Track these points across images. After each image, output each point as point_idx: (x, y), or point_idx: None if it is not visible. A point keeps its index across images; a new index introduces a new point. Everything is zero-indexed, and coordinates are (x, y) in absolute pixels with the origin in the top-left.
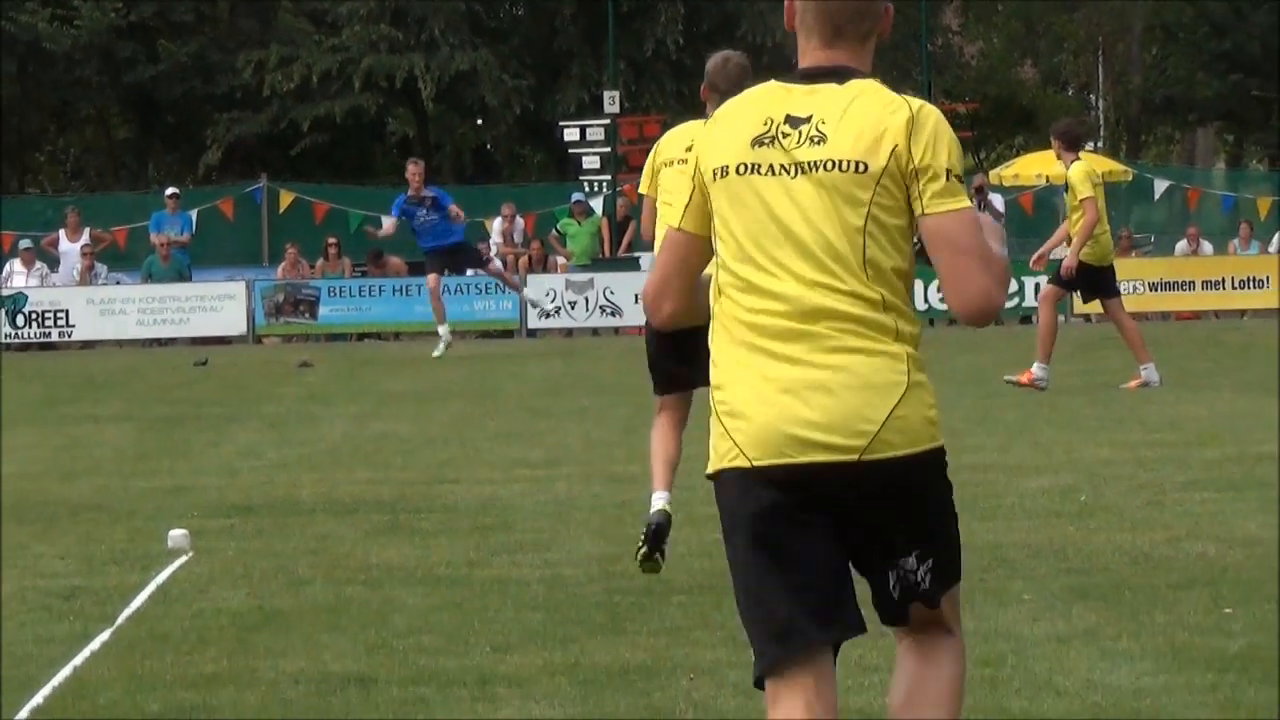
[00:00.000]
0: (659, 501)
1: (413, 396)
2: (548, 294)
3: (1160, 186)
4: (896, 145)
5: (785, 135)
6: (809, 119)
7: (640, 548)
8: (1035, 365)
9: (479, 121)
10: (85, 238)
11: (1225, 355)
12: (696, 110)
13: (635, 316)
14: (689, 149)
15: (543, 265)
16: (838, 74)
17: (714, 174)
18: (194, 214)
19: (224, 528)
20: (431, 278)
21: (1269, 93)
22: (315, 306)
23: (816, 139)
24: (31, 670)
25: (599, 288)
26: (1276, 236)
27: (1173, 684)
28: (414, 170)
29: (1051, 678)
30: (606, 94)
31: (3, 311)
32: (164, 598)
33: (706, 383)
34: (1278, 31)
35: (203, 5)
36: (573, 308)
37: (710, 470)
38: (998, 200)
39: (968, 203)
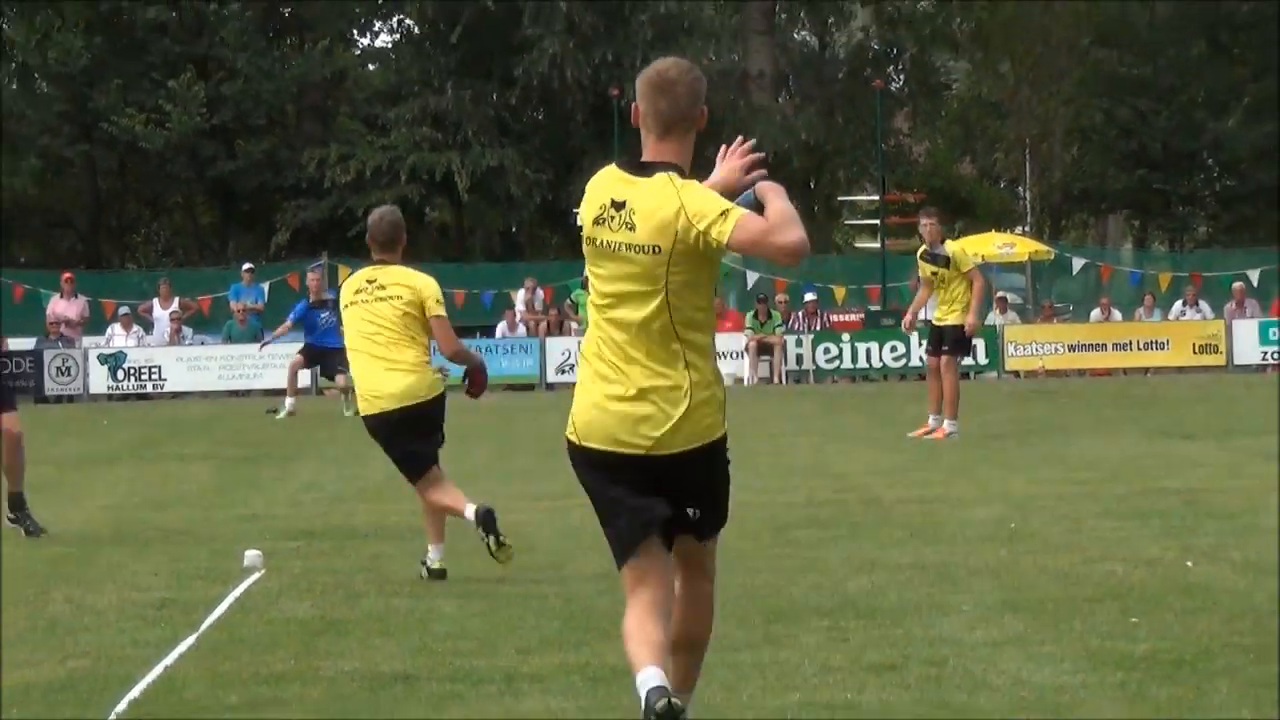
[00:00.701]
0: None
1: (451, 436)
2: (563, 353)
3: (1077, 264)
4: (678, 230)
5: (611, 218)
6: (624, 205)
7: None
8: (948, 422)
9: (506, 209)
10: (175, 305)
11: (1132, 406)
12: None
13: None
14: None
15: (559, 329)
16: (653, 168)
17: (585, 239)
18: (266, 286)
19: (291, 549)
20: (299, 360)
21: (1168, 186)
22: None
23: (629, 225)
24: (129, 669)
25: None
26: (1175, 306)
27: (1088, 681)
28: (314, 279)
29: (986, 676)
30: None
31: (106, 367)
32: (241, 608)
33: None
34: (1175, 134)
35: (274, 111)
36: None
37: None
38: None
39: (740, 211)
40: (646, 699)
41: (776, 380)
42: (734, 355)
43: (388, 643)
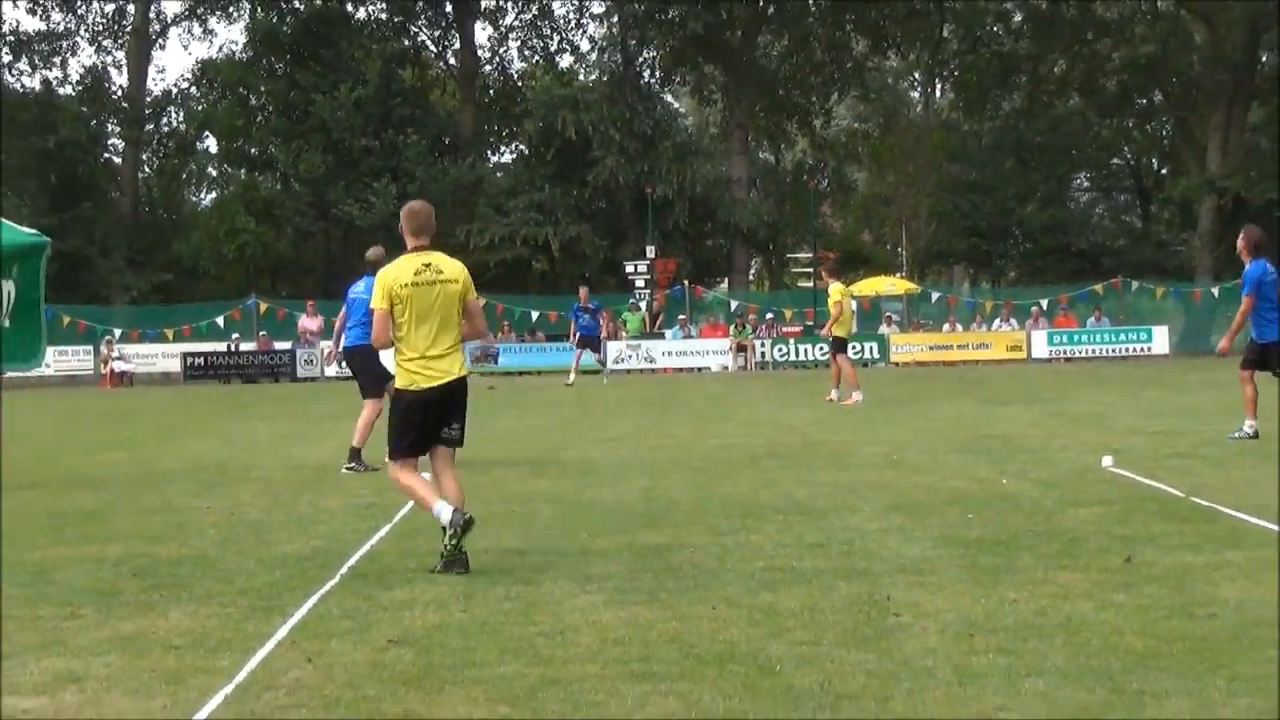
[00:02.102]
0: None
1: (545, 404)
2: (617, 352)
3: (935, 295)
4: (464, 279)
5: (427, 267)
6: (431, 265)
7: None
8: (855, 393)
9: (582, 262)
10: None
11: (968, 384)
12: (699, 257)
13: (664, 361)
14: (401, 284)
15: (615, 336)
16: (430, 249)
17: (400, 288)
18: None
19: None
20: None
21: (991, 248)
22: (498, 357)
23: (439, 273)
24: (347, 547)
25: (643, 349)
26: (995, 321)
27: (942, 554)
28: (584, 292)
29: (878, 551)
30: (648, 248)
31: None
32: (417, 508)
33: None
34: (995, 216)
35: (437, 201)
36: (630, 359)
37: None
38: (853, 303)
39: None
40: (453, 517)
41: (749, 369)
42: (723, 352)
43: (508, 530)
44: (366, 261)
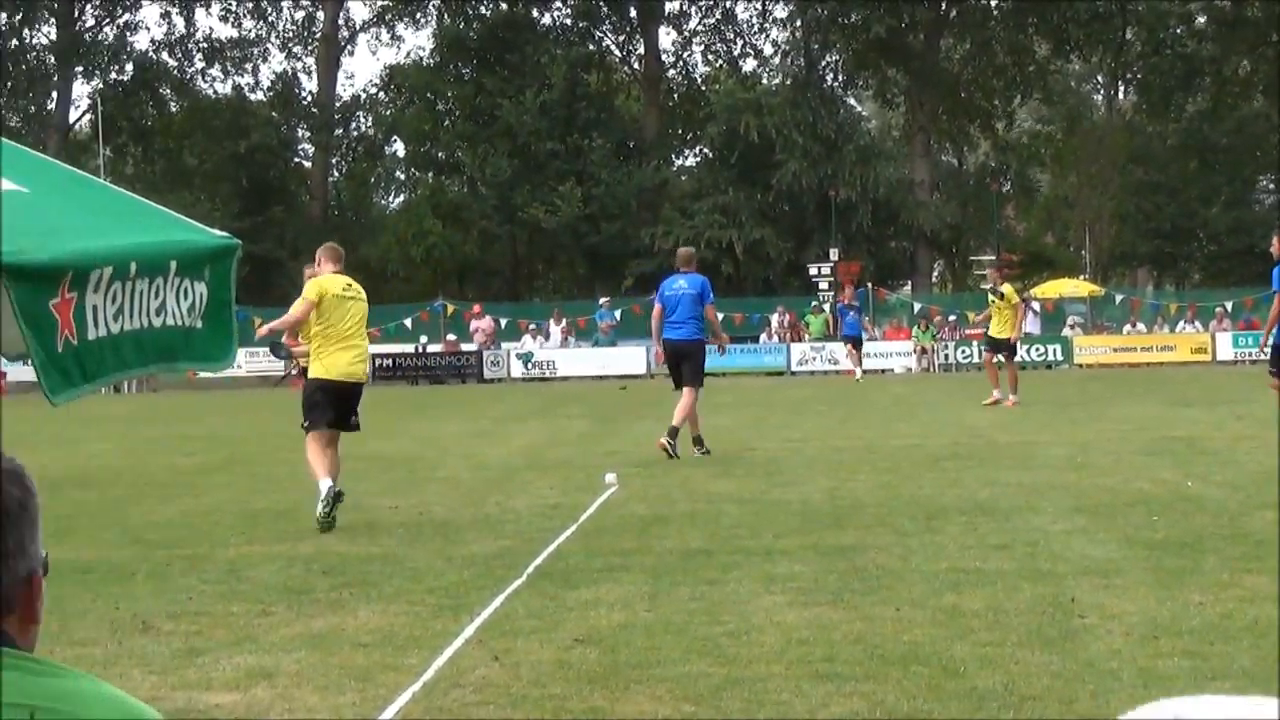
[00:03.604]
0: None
1: (731, 404)
2: (800, 353)
3: (1118, 298)
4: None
5: (349, 285)
6: (350, 285)
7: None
8: (1011, 395)
9: (766, 265)
10: (563, 323)
11: (1153, 385)
12: (882, 259)
13: (848, 364)
14: (336, 291)
15: (798, 338)
16: (346, 276)
17: (331, 298)
18: (618, 312)
19: (635, 472)
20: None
21: (1175, 250)
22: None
23: (355, 291)
24: (534, 546)
25: (827, 350)
26: (1180, 323)
27: (1126, 556)
28: (849, 292)
29: (1062, 552)
30: (831, 250)
31: (520, 361)
32: (603, 508)
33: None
34: (1179, 218)
35: (623, 205)
36: (814, 360)
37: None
38: (1035, 304)
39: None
40: (328, 491)
41: (933, 370)
42: (906, 354)
43: (694, 530)
44: (679, 259)
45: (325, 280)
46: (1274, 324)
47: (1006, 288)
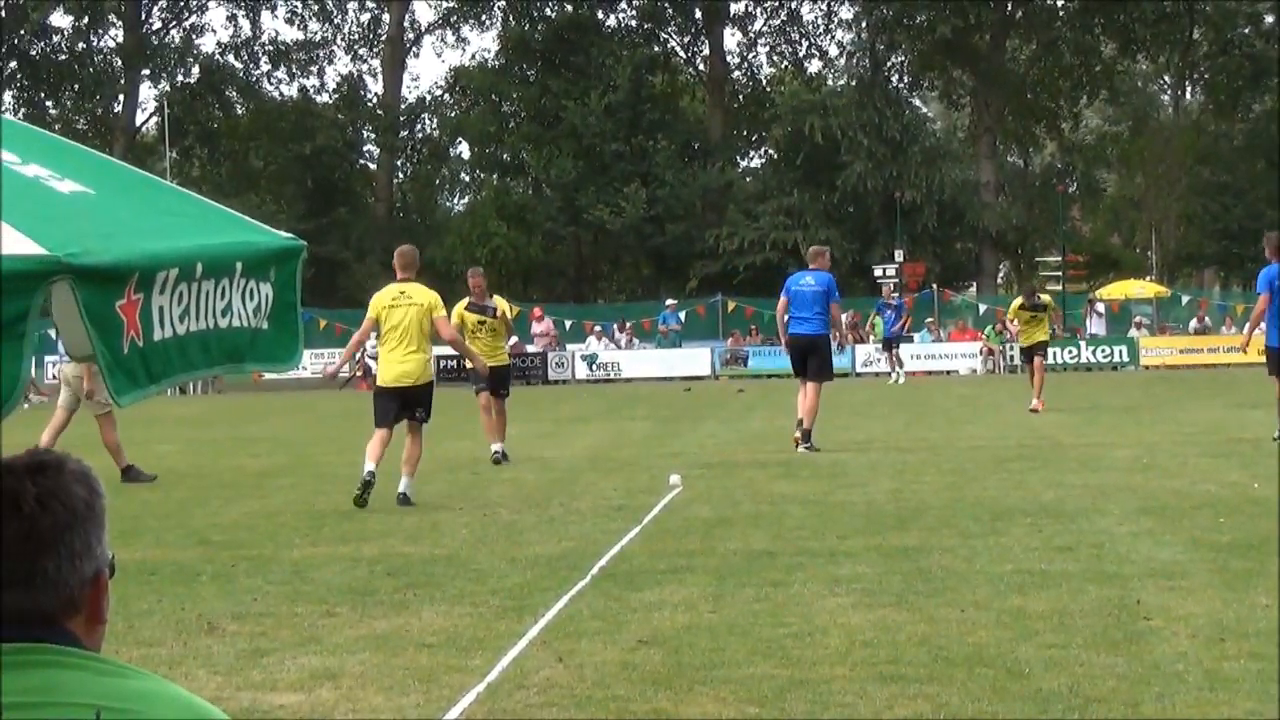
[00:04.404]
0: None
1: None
2: (865, 355)
3: (1185, 298)
4: (432, 303)
5: (401, 294)
6: (404, 293)
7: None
8: (1036, 399)
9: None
10: (627, 326)
11: (1218, 387)
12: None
13: (912, 365)
14: (386, 302)
15: (863, 340)
16: (406, 284)
17: (384, 310)
18: (682, 314)
19: (699, 474)
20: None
21: (1241, 250)
22: (747, 360)
23: (408, 298)
24: (598, 547)
25: (890, 351)
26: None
27: (1193, 558)
28: (887, 289)
29: (1128, 554)
30: (896, 251)
31: (585, 363)
32: (667, 509)
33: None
34: (1246, 219)
35: (688, 206)
36: (879, 362)
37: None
38: (1101, 306)
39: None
40: (366, 474)
41: (998, 372)
42: (972, 355)
43: (758, 532)
44: (809, 256)
45: (379, 295)
46: (1255, 325)
47: (1045, 298)
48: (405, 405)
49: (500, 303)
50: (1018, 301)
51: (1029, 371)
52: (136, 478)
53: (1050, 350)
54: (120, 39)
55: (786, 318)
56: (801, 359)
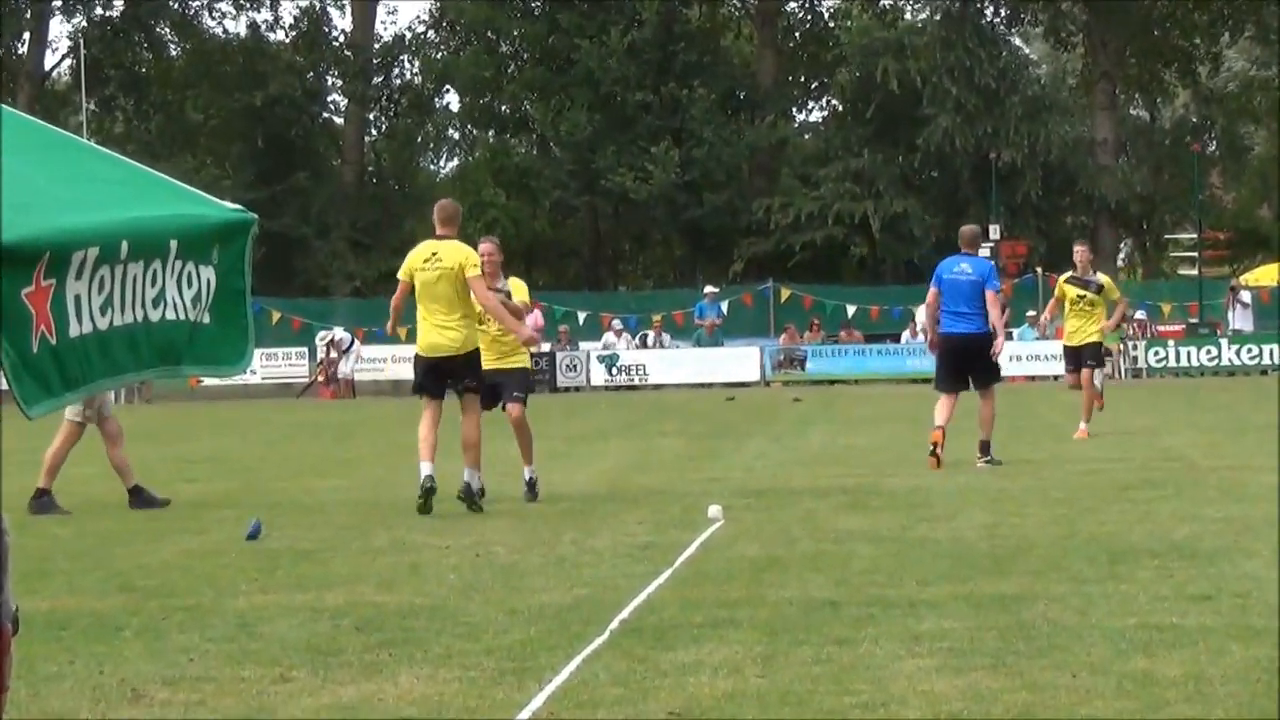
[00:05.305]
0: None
1: (866, 420)
2: None
3: None
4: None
5: (433, 255)
6: (435, 255)
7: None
8: (1084, 423)
9: (910, 245)
10: (653, 320)
11: None
12: (1055, 237)
13: (1012, 368)
14: (418, 264)
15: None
16: (446, 238)
17: (418, 271)
18: (724, 304)
19: (744, 504)
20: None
21: None
22: (804, 362)
23: (438, 260)
24: (619, 596)
25: None
26: None
27: None
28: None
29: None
30: (991, 226)
31: (604, 365)
32: (705, 549)
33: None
34: None
35: (731, 170)
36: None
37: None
38: (1246, 295)
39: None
40: (424, 479)
41: (1118, 377)
42: None
43: (817, 576)
44: (963, 238)
45: (413, 254)
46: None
47: (1104, 278)
48: (446, 378)
49: (517, 286)
50: (1064, 277)
51: (1077, 384)
52: (149, 503)
53: (1129, 353)
54: None
55: (937, 314)
56: (958, 364)
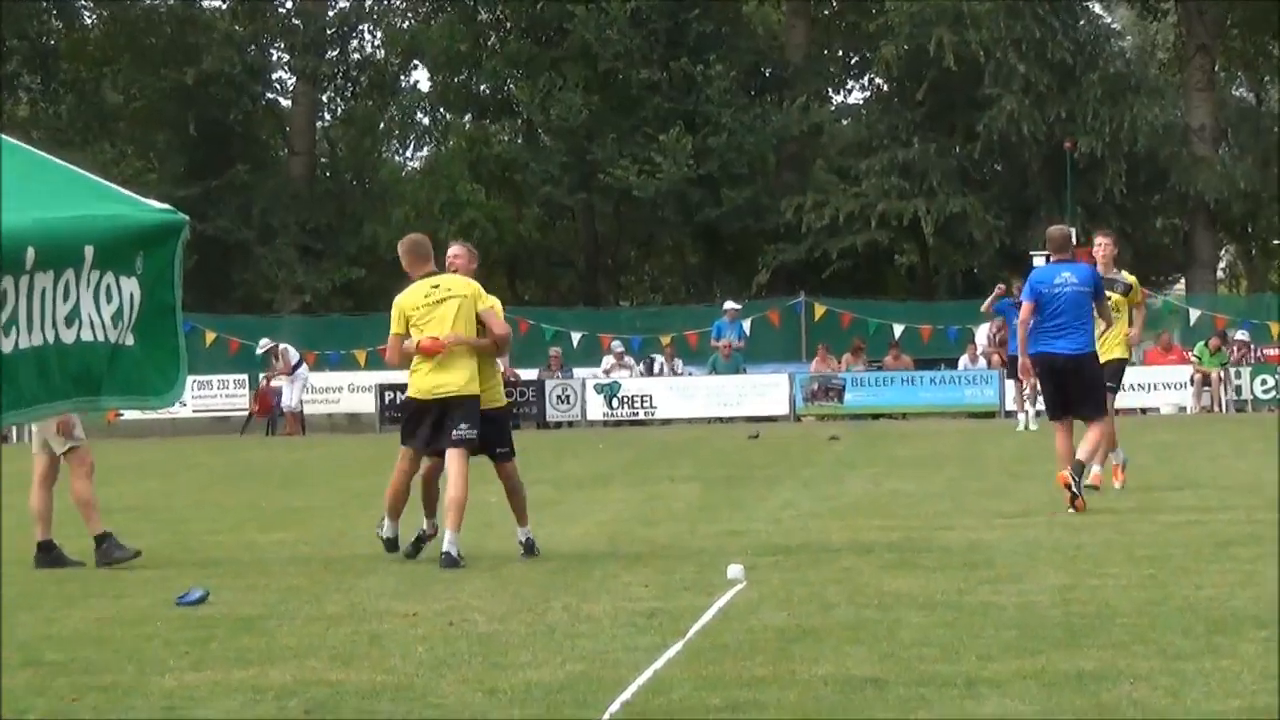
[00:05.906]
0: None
1: (916, 462)
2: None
3: None
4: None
5: (435, 288)
6: (438, 286)
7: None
8: (1096, 466)
9: (968, 252)
10: (662, 343)
11: None
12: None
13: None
14: (417, 304)
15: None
16: (437, 275)
17: (417, 314)
18: (747, 323)
19: (771, 563)
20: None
21: None
22: (842, 393)
23: (447, 290)
24: (621, 673)
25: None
26: None
27: None
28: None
29: None
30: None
31: (602, 396)
32: (724, 617)
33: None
34: None
35: (755, 161)
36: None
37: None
38: None
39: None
40: (388, 532)
41: (1218, 409)
42: (1179, 385)
43: (858, 649)
44: (1053, 242)
45: (403, 298)
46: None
47: (1131, 277)
48: (441, 424)
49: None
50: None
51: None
52: (109, 555)
53: (1231, 381)
54: None
55: (1030, 330)
56: (1062, 387)
